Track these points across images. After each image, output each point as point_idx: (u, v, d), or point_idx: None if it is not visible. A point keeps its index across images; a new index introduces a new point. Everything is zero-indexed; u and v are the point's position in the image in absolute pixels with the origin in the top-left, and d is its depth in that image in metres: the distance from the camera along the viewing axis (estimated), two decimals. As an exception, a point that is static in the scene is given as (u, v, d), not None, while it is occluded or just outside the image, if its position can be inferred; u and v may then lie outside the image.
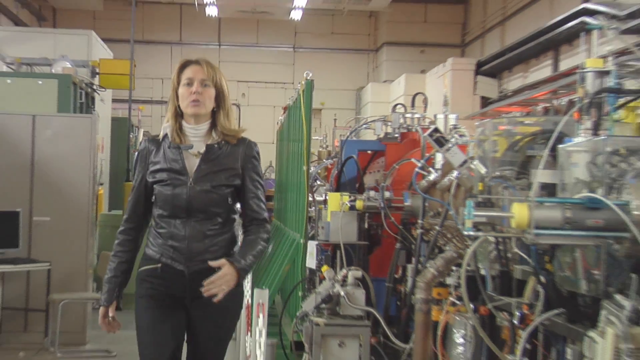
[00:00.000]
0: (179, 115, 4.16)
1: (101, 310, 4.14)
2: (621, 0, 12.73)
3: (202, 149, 4.14)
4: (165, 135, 4.20)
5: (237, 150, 4.16)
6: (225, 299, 4.03)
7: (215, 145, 4.14)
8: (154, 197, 4.21)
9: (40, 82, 11.29)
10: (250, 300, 5.74)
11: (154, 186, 4.16)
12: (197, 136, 4.14)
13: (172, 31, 23.39)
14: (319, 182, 10.75)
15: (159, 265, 4.09)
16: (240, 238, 4.40)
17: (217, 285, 3.97)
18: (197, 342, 4.18)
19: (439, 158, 6.75)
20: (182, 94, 4.07)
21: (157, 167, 4.16)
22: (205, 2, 21.75)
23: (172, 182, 4.08)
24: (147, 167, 4.19)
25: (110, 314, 4.14)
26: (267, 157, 19.18)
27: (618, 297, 3.58)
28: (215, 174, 4.10)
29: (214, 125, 4.16)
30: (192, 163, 4.10)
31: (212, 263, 4.04)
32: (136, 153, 4.41)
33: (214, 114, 4.18)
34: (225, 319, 4.20)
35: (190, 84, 4.04)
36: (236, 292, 4.18)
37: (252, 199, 4.20)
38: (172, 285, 4.10)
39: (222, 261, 4.04)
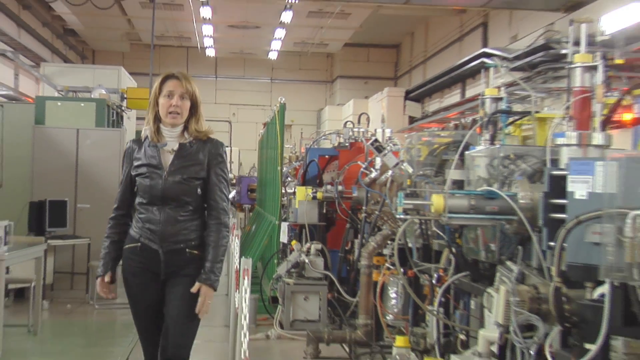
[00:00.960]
0: (157, 119, 4.23)
1: (98, 280, 4.30)
2: (510, 47, 13.87)
3: (176, 147, 4.22)
4: (147, 137, 4.27)
5: (205, 148, 4.25)
6: (193, 278, 4.15)
7: (187, 144, 4.22)
8: (136, 188, 4.29)
9: (82, 105, 12.22)
10: (238, 266, 5.75)
11: (136, 178, 4.24)
12: (172, 137, 4.22)
13: (181, 67, 24.77)
14: (289, 179, 11.63)
15: (139, 244, 4.21)
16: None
17: (205, 306, 4.12)
18: (169, 309, 4.18)
19: (378, 161, 7.53)
20: (163, 104, 4.16)
21: (139, 162, 4.24)
22: (205, 46, 24.59)
23: (150, 174, 4.18)
24: (131, 163, 4.28)
25: (107, 279, 4.28)
26: (251, 160, 21.50)
27: (508, 263, 4.01)
28: (186, 168, 4.19)
29: (186, 128, 4.25)
30: (167, 159, 4.20)
31: (193, 289, 4.09)
32: (124, 152, 4.45)
33: (187, 120, 4.25)
34: (190, 291, 4.14)
35: (170, 96, 4.14)
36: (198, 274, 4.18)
37: (213, 189, 4.29)
38: (149, 261, 4.20)
39: (197, 285, 4.10)
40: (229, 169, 4.73)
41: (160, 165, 4.20)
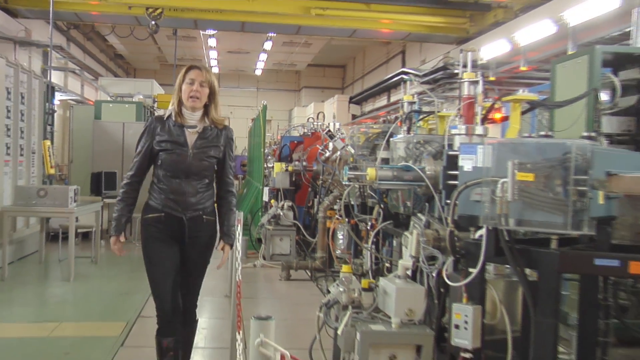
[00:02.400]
0: (180, 103, 3.59)
1: (112, 238, 3.63)
2: (420, 67, 13.97)
3: (200, 129, 3.59)
4: (169, 116, 3.59)
5: (222, 133, 3.67)
6: (207, 239, 3.68)
7: (209, 128, 3.62)
8: (159, 161, 3.57)
9: (126, 106, 12.27)
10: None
11: (160, 153, 3.54)
12: (193, 120, 3.59)
13: None
14: (269, 157, 11.49)
15: (163, 214, 3.54)
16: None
17: (225, 260, 3.75)
18: (188, 266, 3.63)
19: (330, 145, 7.62)
20: (185, 90, 3.54)
21: (163, 138, 3.55)
22: (211, 66, 24.28)
23: (175, 150, 3.52)
24: (154, 138, 3.57)
25: (122, 240, 3.65)
26: (243, 144, 21.42)
27: (419, 214, 4.06)
28: (208, 148, 3.58)
29: (206, 113, 3.63)
30: (191, 138, 3.56)
31: (219, 248, 3.71)
32: (144, 127, 3.69)
33: (207, 106, 3.64)
34: (207, 250, 3.70)
35: (192, 83, 3.53)
36: (214, 236, 3.72)
37: (227, 168, 3.76)
38: (173, 228, 3.54)
39: (222, 244, 3.72)
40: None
41: (185, 143, 3.54)
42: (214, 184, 3.74)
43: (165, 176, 3.54)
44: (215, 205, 3.76)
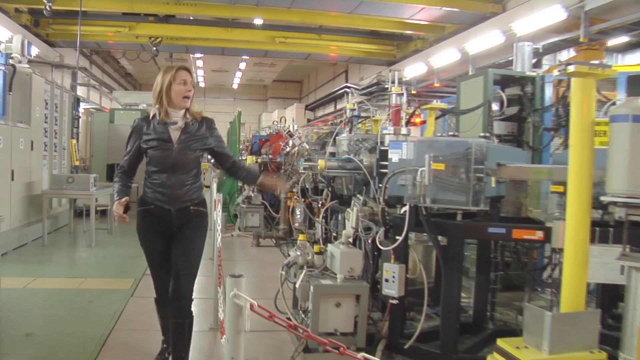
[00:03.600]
0: (168, 102, 2.92)
1: (116, 204, 2.93)
2: (359, 83, 14.00)
3: (182, 125, 2.94)
4: (154, 115, 2.95)
5: (203, 125, 3.00)
6: (197, 228, 2.99)
7: (190, 123, 2.97)
8: (148, 159, 2.97)
9: (134, 112, 11.68)
10: (215, 198, 5.16)
11: (148, 150, 2.93)
12: (177, 117, 2.94)
13: None
14: (244, 152, 11.05)
15: (152, 206, 2.93)
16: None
17: (276, 182, 3.22)
18: (179, 253, 2.93)
19: (291, 142, 7.26)
20: (179, 90, 2.90)
21: (150, 137, 2.92)
22: (198, 81, 23.49)
23: (161, 147, 2.90)
24: (141, 137, 2.94)
25: (123, 202, 2.93)
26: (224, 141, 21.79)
27: (358, 195, 3.99)
28: (192, 142, 2.94)
29: (187, 110, 2.98)
30: (175, 134, 2.92)
31: (261, 180, 3.11)
32: (132, 128, 3.04)
33: None
34: (197, 238, 3.00)
35: (184, 84, 2.92)
36: (203, 225, 3.06)
37: (223, 152, 3.09)
38: (162, 219, 2.93)
39: (264, 178, 3.15)
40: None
41: (170, 139, 2.91)
42: (202, 176, 3.10)
43: (154, 171, 2.94)
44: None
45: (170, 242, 2.96)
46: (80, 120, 11.53)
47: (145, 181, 3.01)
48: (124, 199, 2.93)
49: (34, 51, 9.11)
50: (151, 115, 2.97)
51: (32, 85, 7.41)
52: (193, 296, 2.99)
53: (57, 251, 6.89)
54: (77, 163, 9.31)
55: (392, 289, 3.22)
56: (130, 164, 3.04)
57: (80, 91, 13.76)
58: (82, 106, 14.28)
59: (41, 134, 7.89)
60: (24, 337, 3.60)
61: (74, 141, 9.31)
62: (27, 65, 7.51)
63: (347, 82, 16.96)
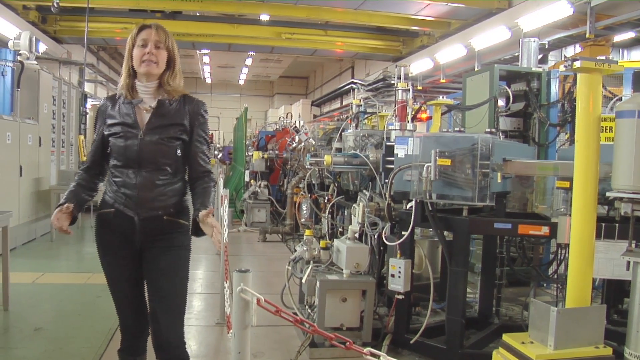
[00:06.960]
0: (131, 75, 2.13)
1: (56, 211, 2.04)
2: (366, 78, 13.86)
3: (153, 104, 2.11)
4: (122, 94, 2.14)
5: (186, 107, 2.13)
6: (173, 249, 2.11)
7: (166, 101, 2.12)
8: (109, 149, 2.13)
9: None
10: (222, 194, 5.27)
11: (109, 138, 2.12)
12: (147, 93, 2.12)
13: (190, 89, 23.67)
14: (250, 147, 10.92)
15: (113, 210, 2.10)
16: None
17: (216, 234, 1.94)
18: (153, 283, 2.10)
19: (297, 137, 7.32)
20: (137, 55, 2.09)
21: (113, 121, 2.12)
22: (205, 77, 23.70)
23: (124, 134, 2.08)
24: (104, 121, 2.14)
25: (65, 210, 2.03)
26: (229, 137, 20.83)
27: (364, 191, 3.96)
28: (165, 128, 2.08)
29: (161, 84, 2.13)
30: (144, 117, 2.09)
31: (203, 214, 1.96)
32: (97, 110, 2.25)
33: (162, 74, 2.13)
34: (174, 263, 2.10)
35: (145, 45, 2.08)
36: (184, 245, 2.14)
37: (198, 154, 2.14)
38: (124, 229, 2.08)
39: (201, 214, 1.94)
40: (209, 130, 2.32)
41: (135, 124, 2.08)
42: (185, 176, 2.18)
43: (116, 166, 2.12)
44: (190, 200, 2.18)
45: (136, 262, 2.12)
46: (88, 116, 11.60)
47: (107, 178, 2.22)
48: (66, 206, 2.04)
49: (42, 48, 9.17)
50: (118, 93, 2.18)
51: (40, 82, 7.46)
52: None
53: (65, 246, 6.91)
54: (84, 159, 9.53)
55: (398, 284, 3.21)
56: (93, 158, 2.21)
57: (88, 87, 13.75)
58: (90, 102, 14.37)
59: (49, 130, 7.93)
60: (33, 331, 3.62)
61: (82, 137, 9.33)
62: (35, 62, 7.57)
63: (353, 78, 16.87)
